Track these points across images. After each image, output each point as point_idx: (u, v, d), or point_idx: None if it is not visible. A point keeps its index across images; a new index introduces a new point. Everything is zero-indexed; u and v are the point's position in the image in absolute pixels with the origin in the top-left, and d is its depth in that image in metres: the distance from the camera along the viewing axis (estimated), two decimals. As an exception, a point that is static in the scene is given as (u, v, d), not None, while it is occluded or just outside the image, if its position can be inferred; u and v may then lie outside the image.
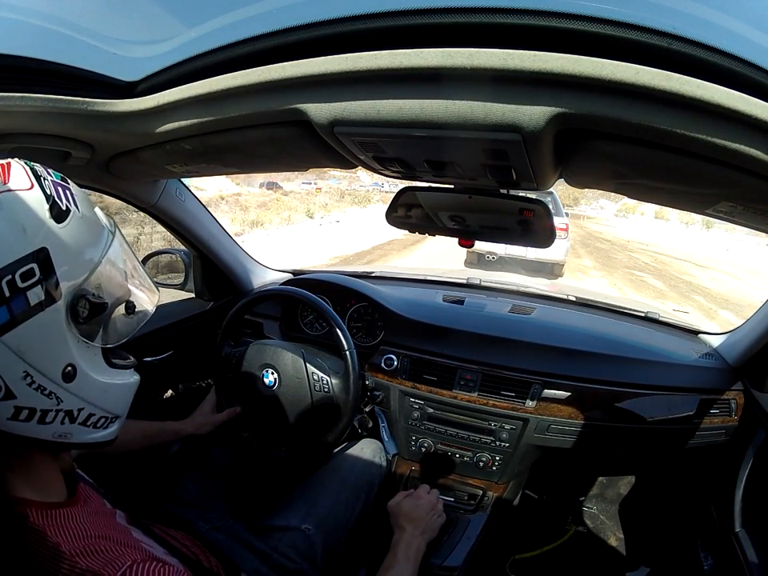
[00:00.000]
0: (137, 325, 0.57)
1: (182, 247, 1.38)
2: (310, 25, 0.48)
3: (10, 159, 0.49)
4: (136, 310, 0.56)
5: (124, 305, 0.55)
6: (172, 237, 1.31)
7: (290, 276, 1.62)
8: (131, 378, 0.58)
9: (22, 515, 0.45)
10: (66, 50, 0.60)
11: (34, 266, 0.43)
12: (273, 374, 1.07)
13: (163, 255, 1.49)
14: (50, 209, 0.46)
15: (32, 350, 0.44)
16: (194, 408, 1.09)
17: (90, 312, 0.48)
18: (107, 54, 0.61)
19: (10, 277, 0.42)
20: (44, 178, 0.48)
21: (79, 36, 0.61)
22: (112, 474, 0.83)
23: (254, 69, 0.52)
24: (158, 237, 7.48)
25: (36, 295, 0.44)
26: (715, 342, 1.31)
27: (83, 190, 0.53)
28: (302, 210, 16.94)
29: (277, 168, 0.90)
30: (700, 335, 1.37)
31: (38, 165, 0.50)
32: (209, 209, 1.32)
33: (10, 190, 0.45)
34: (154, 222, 1.23)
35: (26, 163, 0.49)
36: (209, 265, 1.40)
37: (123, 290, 0.55)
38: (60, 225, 0.46)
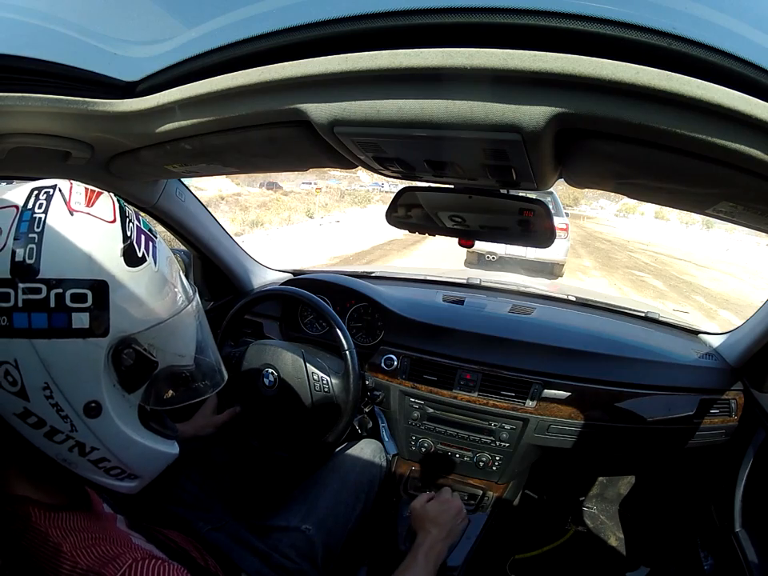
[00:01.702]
0: (185, 400, 0.54)
1: (182, 247, 1.38)
2: (310, 25, 0.48)
3: (103, 191, 0.49)
4: (188, 386, 0.54)
5: (178, 375, 0.53)
6: (172, 237, 1.31)
7: (289, 276, 1.62)
8: (167, 449, 0.54)
9: (25, 514, 0.45)
10: (66, 49, 0.60)
11: (89, 293, 0.43)
12: (273, 373, 1.07)
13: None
14: (124, 249, 0.45)
15: (59, 368, 0.43)
16: (194, 410, 1.09)
17: (135, 364, 0.47)
18: (107, 54, 0.61)
19: (60, 290, 0.42)
20: (130, 220, 0.48)
21: (79, 36, 0.61)
22: None
23: (254, 69, 0.52)
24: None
25: (80, 320, 0.43)
26: (715, 342, 1.31)
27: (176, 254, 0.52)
28: (302, 210, 16.91)
29: (277, 168, 0.90)
30: (700, 335, 1.37)
31: (132, 208, 0.50)
32: (209, 209, 1.32)
33: (89, 214, 0.45)
34: (154, 221, 1.22)
35: (117, 200, 0.49)
36: (209, 265, 1.40)
37: (182, 360, 0.53)
38: (129, 268, 0.45)
